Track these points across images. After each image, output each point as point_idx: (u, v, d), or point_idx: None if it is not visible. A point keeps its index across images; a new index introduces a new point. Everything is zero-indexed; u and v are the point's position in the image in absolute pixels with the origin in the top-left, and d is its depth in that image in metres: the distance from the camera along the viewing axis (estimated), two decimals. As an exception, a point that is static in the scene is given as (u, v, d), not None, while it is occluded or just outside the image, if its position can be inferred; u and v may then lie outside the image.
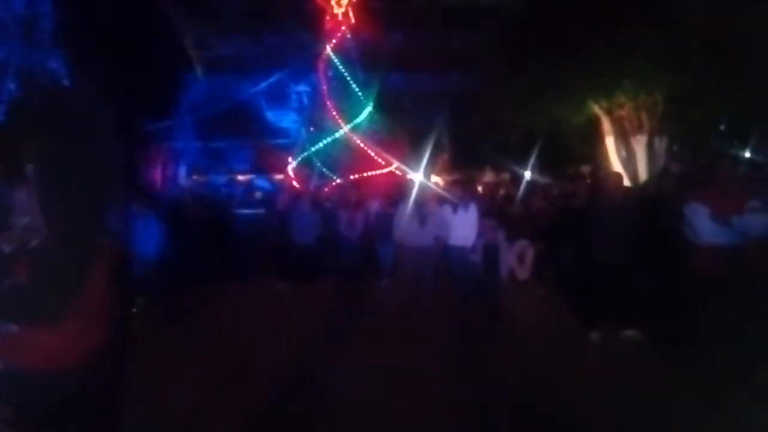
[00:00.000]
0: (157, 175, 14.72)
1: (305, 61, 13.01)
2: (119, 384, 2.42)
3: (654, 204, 6.08)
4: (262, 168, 14.47)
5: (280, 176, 13.18)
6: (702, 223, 4.21)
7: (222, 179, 13.68)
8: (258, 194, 10.23)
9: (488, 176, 15.32)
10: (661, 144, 11.13)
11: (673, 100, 10.45)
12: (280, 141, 13.07)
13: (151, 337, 5.68)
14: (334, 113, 12.25)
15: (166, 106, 13.62)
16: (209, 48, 17.20)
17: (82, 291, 2.06)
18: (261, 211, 9.42)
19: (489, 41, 10.38)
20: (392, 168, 12.19)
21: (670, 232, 4.86)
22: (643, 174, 10.67)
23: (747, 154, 10.94)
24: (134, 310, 6.66)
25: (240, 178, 16.61)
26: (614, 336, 5.78)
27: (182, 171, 15.60)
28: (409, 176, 11.11)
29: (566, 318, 6.57)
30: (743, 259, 4.03)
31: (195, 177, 15.35)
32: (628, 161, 11.06)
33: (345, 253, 8.77)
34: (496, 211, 8.58)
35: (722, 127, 15.29)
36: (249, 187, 13.14)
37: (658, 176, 7.83)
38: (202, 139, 16.67)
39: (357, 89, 12.40)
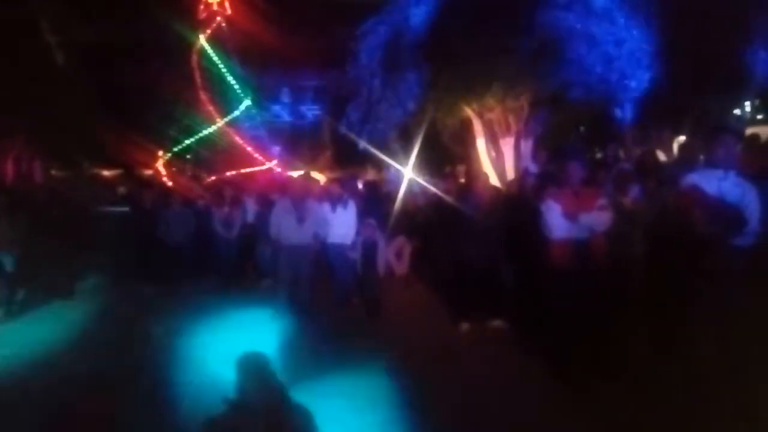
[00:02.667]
0: (8, 170, 13.22)
1: (177, 50, 12.31)
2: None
3: (516, 202, 6.50)
4: (129, 162, 13.49)
5: (149, 171, 12.38)
6: (554, 219, 4.55)
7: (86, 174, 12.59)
8: (122, 190, 9.50)
9: (370, 174, 15.52)
10: (526, 145, 11.91)
11: (537, 104, 11.25)
12: (148, 134, 12.24)
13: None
14: (209, 106, 11.74)
15: (16, 95, 12.20)
16: (70, 33, 15.71)
17: None
18: (126, 208, 8.76)
19: (364, 39, 10.46)
20: (271, 164, 11.95)
21: (530, 228, 5.20)
22: (510, 174, 11.34)
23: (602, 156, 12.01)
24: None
25: (105, 173, 15.44)
26: (482, 326, 6.12)
27: (38, 166, 14.07)
28: (288, 173, 10.96)
29: (440, 311, 6.85)
30: (589, 252, 4.41)
31: (54, 172, 13.96)
32: (497, 161, 11.72)
33: (222, 252, 8.44)
34: (376, 209, 8.71)
35: (582, 129, 16.71)
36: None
37: (520, 176, 8.37)
38: (68, 131, 15.24)
39: (233, 82, 11.97)
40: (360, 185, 10.76)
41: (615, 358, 4.47)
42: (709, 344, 3.39)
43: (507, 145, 11.65)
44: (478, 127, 11.67)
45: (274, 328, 6.22)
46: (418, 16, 10.01)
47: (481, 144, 11.79)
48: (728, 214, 3.37)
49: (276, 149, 12.46)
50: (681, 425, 3.57)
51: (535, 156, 11.02)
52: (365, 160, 13.49)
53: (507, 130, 11.56)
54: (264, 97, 12.93)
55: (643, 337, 4.79)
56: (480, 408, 4.18)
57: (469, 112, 11.45)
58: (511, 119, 11.42)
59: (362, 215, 7.32)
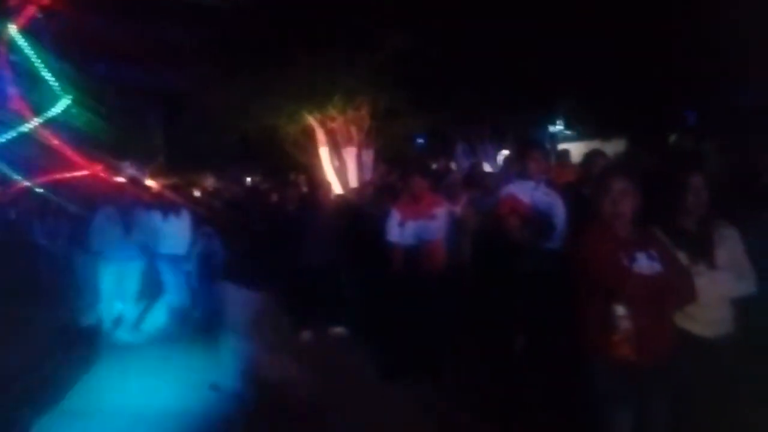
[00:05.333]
0: None
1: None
2: None
3: (358, 210, 6.65)
4: None
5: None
6: (391, 227, 4.78)
7: None
8: None
9: (209, 181, 14.93)
10: (368, 156, 12.26)
11: (378, 116, 11.66)
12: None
13: None
14: (19, 104, 10.38)
15: None
16: None
17: None
18: None
19: (205, 39, 9.99)
20: (95, 169, 10.88)
21: (370, 235, 5.37)
22: (353, 182, 11.58)
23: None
24: None
25: None
26: (323, 334, 6.15)
27: None
28: (115, 179, 10.07)
29: (281, 320, 6.76)
30: (424, 257, 4.65)
31: None
32: (340, 170, 11.90)
33: (36, 266, 7.49)
34: (215, 217, 8.36)
35: (420, 141, 17.66)
36: None
37: (362, 186, 8.58)
38: None
39: (50, 78, 10.71)
40: (197, 192, 10.29)
41: (445, 358, 4.78)
42: (523, 339, 3.76)
43: (349, 155, 11.88)
44: (321, 136, 11.75)
45: (99, 347, 5.69)
46: (259, 19, 9.82)
47: (324, 153, 11.88)
48: (539, 221, 3.75)
49: (101, 152, 11.38)
50: (499, 419, 3.91)
51: (376, 166, 11.38)
52: (203, 166, 12.90)
53: (349, 140, 11.79)
54: (89, 95, 11.74)
55: (469, 337, 5.18)
56: (319, 413, 4.19)
57: (311, 120, 11.49)
58: (353, 130, 11.68)
59: (199, 224, 6.98)
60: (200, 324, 6.55)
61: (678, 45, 8.68)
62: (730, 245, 2.67)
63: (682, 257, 2.59)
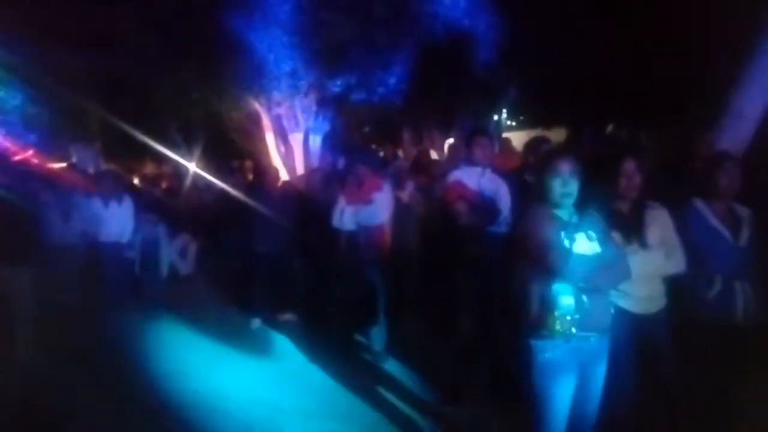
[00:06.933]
0: None
1: None
2: None
3: (306, 197, 6.63)
4: None
5: None
6: (337, 213, 4.84)
7: None
8: None
9: (148, 167, 14.48)
10: (315, 142, 12.17)
11: (325, 103, 11.58)
12: None
13: None
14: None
15: None
16: None
17: None
18: None
19: (142, 21, 9.60)
20: (26, 155, 10.35)
21: (318, 223, 5.40)
22: (300, 169, 11.47)
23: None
24: None
25: None
26: (274, 320, 6.15)
27: None
28: (50, 165, 9.63)
29: (229, 308, 6.71)
30: (369, 242, 4.72)
31: None
32: (287, 157, 11.76)
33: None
34: (157, 205, 8.17)
35: (366, 129, 17.66)
36: None
37: (309, 173, 8.54)
38: None
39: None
40: (137, 179, 10.00)
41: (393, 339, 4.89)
42: (470, 319, 3.90)
43: (296, 141, 11.75)
44: (266, 121, 11.57)
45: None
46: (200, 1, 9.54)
47: (270, 139, 11.71)
48: (485, 206, 3.87)
49: (32, 137, 10.82)
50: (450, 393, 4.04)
51: (323, 153, 11.33)
52: (142, 152, 12.47)
53: (296, 126, 11.66)
54: (17, 78, 11.12)
55: (419, 319, 5.32)
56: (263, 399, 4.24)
57: (256, 105, 11.29)
58: (300, 116, 11.55)
59: (141, 211, 6.80)
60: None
61: (619, 39, 9.05)
62: (660, 225, 2.86)
63: (617, 237, 2.75)
